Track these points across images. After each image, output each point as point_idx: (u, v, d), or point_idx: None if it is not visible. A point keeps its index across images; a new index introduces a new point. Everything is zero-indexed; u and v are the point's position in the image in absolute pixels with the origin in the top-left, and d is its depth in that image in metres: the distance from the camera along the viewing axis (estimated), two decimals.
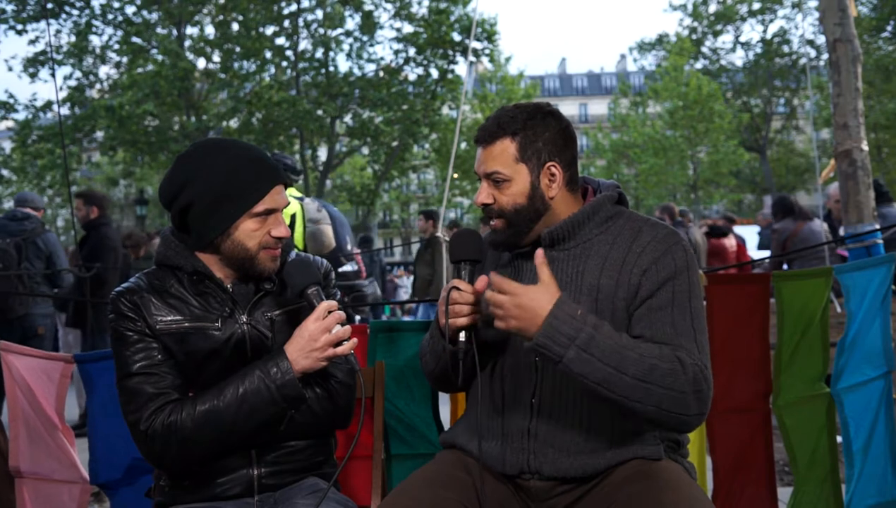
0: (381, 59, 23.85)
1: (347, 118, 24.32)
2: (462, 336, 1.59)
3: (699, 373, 1.48)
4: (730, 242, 8.66)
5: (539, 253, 1.53)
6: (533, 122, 1.62)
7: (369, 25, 23.40)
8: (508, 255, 1.72)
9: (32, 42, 21.14)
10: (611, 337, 1.46)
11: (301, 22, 23.22)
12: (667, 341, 1.51)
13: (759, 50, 29.80)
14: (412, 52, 23.64)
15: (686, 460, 1.67)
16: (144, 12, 21.76)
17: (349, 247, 5.27)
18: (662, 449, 1.58)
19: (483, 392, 1.68)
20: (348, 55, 23.62)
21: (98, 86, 22.52)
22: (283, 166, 3.69)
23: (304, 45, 23.56)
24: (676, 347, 1.50)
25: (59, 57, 21.21)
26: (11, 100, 21.07)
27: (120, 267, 5.81)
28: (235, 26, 22.56)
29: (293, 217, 4.63)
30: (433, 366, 1.75)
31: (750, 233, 10.25)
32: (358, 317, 6.69)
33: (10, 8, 20.13)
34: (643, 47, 33.32)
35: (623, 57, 52.89)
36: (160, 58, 21.13)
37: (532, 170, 1.61)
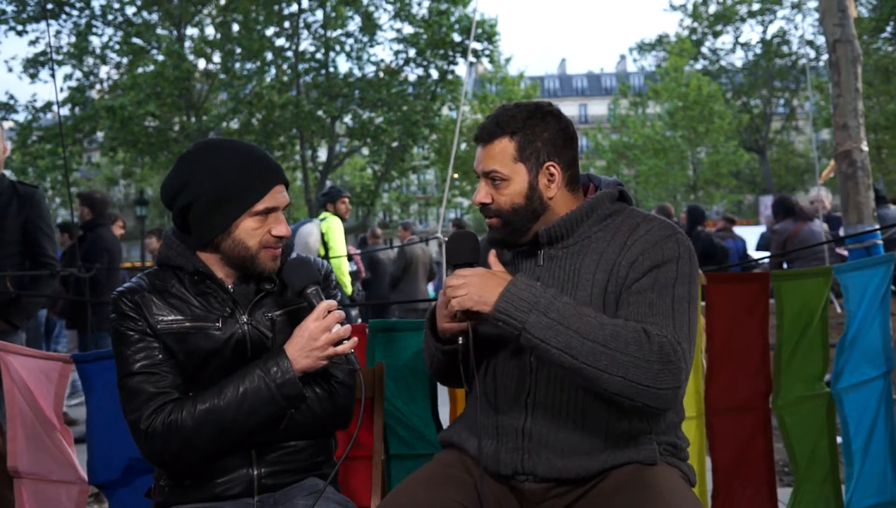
0: (381, 60, 23.87)
1: (347, 119, 24.34)
2: (460, 339, 1.60)
3: (667, 345, 1.42)
4: None
5: (491, 254, 1.61)
6: (532, 122, 1.60)
7: (370, 26, 23.41)
8: (510, 254, 1.72)
9: (32, 43, 21.24)
10: (571, 304, 1.46)
11: (301, 23, 23.24)
12: (640, 320, 1.48)
13: (758, 50, 29.85)
14: (412, 52, 23.65)
15: (685, 463, 1.64)
16: (145, 13, 21.80)
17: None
18: (658, 453, 1.56)
19: (480, 391, 1.68)
20: (348, 56, 23.64)
21: (98, 86, 22.55)
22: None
23: (305, 45, 23.59)
24: (646, 324, 1.46)
25: (60, 57, 21.27)
26: (12, 102, 21.09)
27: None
28: (236, 27, 22.59)
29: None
30: (429, 364, 1.78)
31: (754, 235, 10.26)
32: None
33: (10, 9, 20.18)
34: (643, 48, 33.36)
35: (623, 57, 52.93)
36: (161, 58, 21.15)
37: (530, 169, 1.60)
